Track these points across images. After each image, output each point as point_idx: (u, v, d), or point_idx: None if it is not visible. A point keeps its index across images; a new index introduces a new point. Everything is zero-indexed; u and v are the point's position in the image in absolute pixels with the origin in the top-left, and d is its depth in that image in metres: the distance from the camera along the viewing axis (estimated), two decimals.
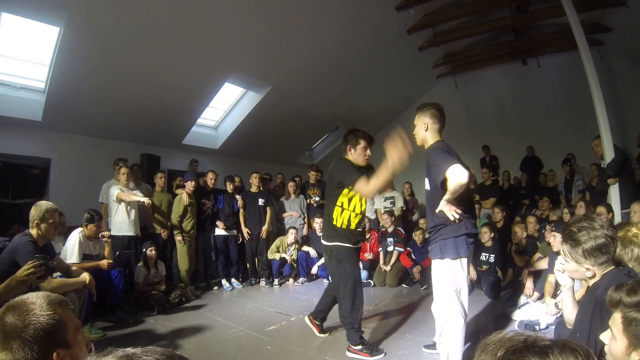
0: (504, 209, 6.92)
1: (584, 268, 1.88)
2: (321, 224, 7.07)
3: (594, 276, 1.88)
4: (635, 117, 9.19)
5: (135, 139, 8.38)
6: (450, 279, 2.99)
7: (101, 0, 5.52)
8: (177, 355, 0.73)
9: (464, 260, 3.01)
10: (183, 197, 6.29)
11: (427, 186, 3.16)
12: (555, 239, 4.17)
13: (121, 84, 6.93)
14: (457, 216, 2.89)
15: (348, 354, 3.68)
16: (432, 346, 3.50)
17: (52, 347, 1.18)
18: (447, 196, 2.83)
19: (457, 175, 2.69)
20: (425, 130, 3.24)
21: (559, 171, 9.26)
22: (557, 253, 4.04)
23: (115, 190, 5.77)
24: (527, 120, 11.28)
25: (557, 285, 4.12)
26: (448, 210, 2.89)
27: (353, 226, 3.76)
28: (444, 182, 2.84)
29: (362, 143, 3.79)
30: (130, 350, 0.71)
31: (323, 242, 3.92)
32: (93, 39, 5.96)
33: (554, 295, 4.13)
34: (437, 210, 2.95)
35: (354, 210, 3.76)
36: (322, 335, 4.22)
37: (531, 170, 9.97)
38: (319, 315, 4.26)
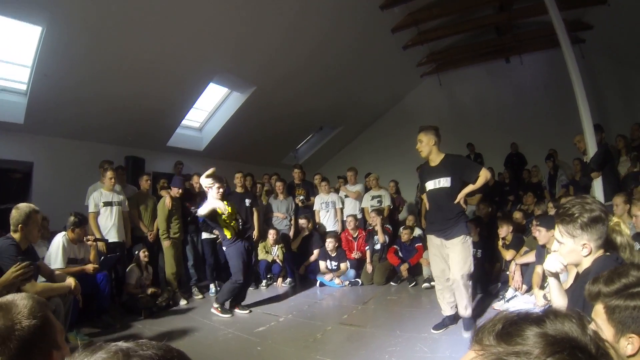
0: (489, 204, 6.98)
1: (579, 245, 1.88)
2: (306, 224, 7.20)
3: (590, 253, 1.88)
4: (617, 112, 9.39)
5: (120, 141, 8.25)
6: (469, 248, 4.10)
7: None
8: (174, 349, 0.71)
9: None
10: (166, 201, 6.22)
11: (445, 183, 4.11)
12: (540, 234, 4.21)
13: (105, 85, 6.82)
14: (465, 206, 4.30)
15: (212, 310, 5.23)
16: (441, 324, 4.21)
17: (49, 348, 1.15)
18: (471, 188, 4.10)
19: (488, 174, 4.17)
20: (434, 145, 4.18)
21: (542, 167, 9.38)
22: (543, 246, 4.11)
23: (91, 208, 5.74)
24: (510, 118, 11.40)
25: (544, 277, 4.18)
26: (462, 201, 4.17)
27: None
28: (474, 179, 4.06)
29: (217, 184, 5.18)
30: (123, 344, 0.69)
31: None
32: (76, 39, 5.85)
33: (542, 287, 4.19)
34: (455, 202, 4.07)
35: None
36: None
37: (515, 167, 10.10)
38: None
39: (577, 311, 0.70)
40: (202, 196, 6.79)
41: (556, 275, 2.08)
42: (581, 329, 0.65)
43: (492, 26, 10.43)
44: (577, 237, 1.89)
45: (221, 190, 5.21)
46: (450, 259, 4.09)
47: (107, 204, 5.78)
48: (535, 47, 10.60)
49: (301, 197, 7.91)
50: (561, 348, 0.61)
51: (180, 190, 6.39)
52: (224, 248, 5.37)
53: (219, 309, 5.19)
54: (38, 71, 6.09)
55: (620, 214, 4.25)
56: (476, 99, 12.15)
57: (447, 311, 4.21)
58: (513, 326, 0.67)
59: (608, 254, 1.91)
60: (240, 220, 5.40)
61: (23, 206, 3.50)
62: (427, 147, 4.15)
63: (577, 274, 2.00)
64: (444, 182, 4.10)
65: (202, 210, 5.08)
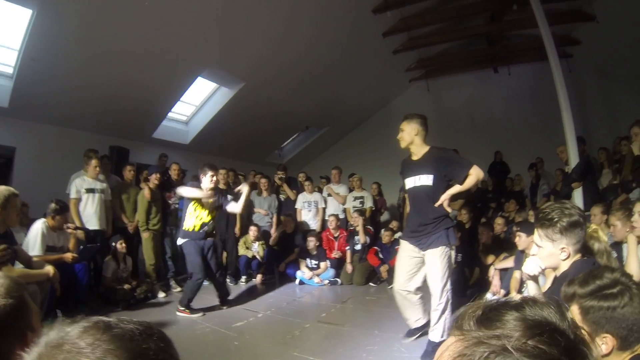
0: (471, 209, 7.05)
1: (558, 249, 1.93)
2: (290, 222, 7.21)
3: (568, 257, 1.92)
4: (600, 125, 9.58)
5: (105, 130, 8.17)
6: (448, 262, 3.52)
7: None
8: (155, 327, 0.71)
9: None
10: (145, 192, 6.15)
11: (426, 181, 3.55)
12: (520, 239, 4.27)
13: (93, 73, 6.75)
14: (450, 210, 3.55)
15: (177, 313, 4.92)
16: (417, 330, 3.85)
17: (24, 329, 1.11)
18: (458, 189, 3.49)
19: (480, 172, 3.49)
20: (415, 135, 3.63)
21: (525, 176, 9.52)
22: (522, 251, 4.17)
23: (72, 194, 5.64)
24: (496, 126, 11.49)
25: (522, 282, 4.24)
26: (446, 204, 3.47)
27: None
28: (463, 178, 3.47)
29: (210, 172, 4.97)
30: (104, 318, 0.69)
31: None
32: (66, 25, 5.78)
33: (519, 292, 4.25)
34: (436, 204, 3.46)
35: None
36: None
37: (498, 175, 10.21)
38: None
39: (555, 299, 0.72)
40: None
41: (534, 279, 2.12)
42: (560, 315, 0.66)
43: (482, 36, 10.56)
44: (556, 241, 1.93)
45: (214, 178, 5.02)
46: (426, 273, 3.58)
47: (90, 190, 5.70)
48: (524, 59, 10.72)
49: (280, 176, 7.95)
50: (540, 331, 0.62)
51: (158, 176, 6.33)
52: (180, 240, 5.16)
53: (187, 311, 4.94)
54: (26, 55, 6.02)
55: (597, 224, 4.33)
56: (463, 107, 12.21)
57: (412, 324, 3.87)
58: (493, 312, 0.68)
59: (585, 258, 1.96)
60: (210, 224, 5.20)
61: (2, 189, 3.44)
62: (408, 137, 3.64)
63: (555, 277, 2.04)
64: (425, 179, 3.56)
65: (185, 191, 4.98)
